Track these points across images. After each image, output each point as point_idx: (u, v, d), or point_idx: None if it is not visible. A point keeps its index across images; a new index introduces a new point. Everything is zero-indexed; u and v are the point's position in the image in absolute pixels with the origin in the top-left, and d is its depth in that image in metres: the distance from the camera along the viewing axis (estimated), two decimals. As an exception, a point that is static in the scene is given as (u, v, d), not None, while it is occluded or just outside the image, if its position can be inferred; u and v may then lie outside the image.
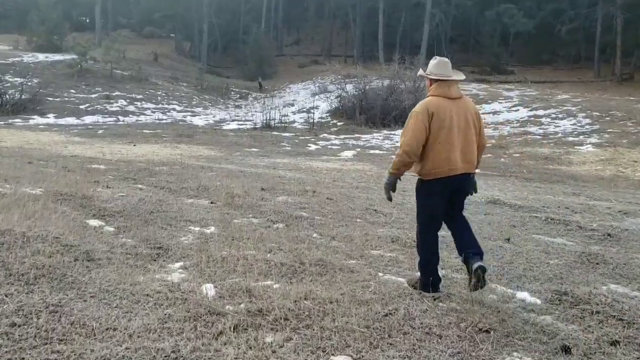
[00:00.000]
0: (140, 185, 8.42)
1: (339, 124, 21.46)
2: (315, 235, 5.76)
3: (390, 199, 4.30)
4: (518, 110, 21.87)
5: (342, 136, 19.11)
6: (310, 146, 16.99)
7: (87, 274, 3.94)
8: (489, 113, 22.00)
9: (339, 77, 32.21)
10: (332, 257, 4.84)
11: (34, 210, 5.47)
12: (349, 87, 22.95)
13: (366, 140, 18.35)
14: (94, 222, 5.53)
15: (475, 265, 3.91)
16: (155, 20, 45.22)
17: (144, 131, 18.11)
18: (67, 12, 41.58)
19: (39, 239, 4.50)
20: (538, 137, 17.58)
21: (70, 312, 3.26)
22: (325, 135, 19.45)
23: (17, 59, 30.65)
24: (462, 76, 4.28)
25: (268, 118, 20.83)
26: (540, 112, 20.69)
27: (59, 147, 13.85)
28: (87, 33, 42.49)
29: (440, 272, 4.62)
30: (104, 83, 28.47)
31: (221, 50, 46.38)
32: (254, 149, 15.63)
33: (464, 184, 4.12)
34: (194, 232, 5.56)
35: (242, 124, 21.60)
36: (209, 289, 3.85)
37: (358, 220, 6.65)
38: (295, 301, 3.66)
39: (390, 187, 4.20)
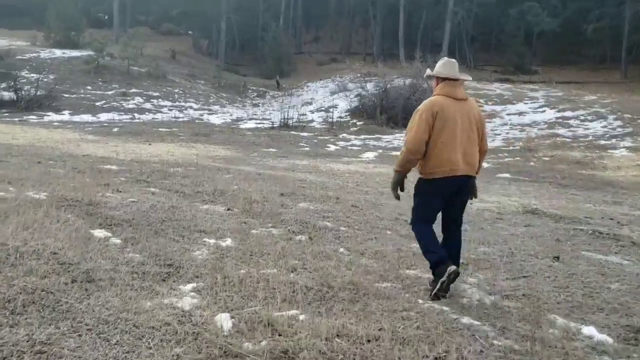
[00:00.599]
0: (152, 189, 7.92)
1: (358, 123, 20.86)
2: (342, 250, 5.19)
3: (397, 197, 4.28)
4: (544, 111, 21.11)
5: (362, 136, 18.51)
6: (329, 147, 16.42)
7: (85, 300, 3.41)
8: (514, 114, 21.27)
9: (358, 75, 31.70)
10: (363, 279, 4.28)
11: (34, 219, 4.97)
12: (370, 86, 22.33)
13: (388, 141, 17.74)
14: (99, 233, 5.02)
15: (451, 269, 3.94)
16: (173, 18, 44.94)
17: (160, 129, 17.68)
18: (85, 9, 41.47)
19: (34, 254, 3.98)
20: (567, 139, 16.84)
21: (60, 354, 2.73)
22: (345, 135, 18.87)
23: (34, 54, 30.46)
24: (468, 77, 4.33)
25: (286, 117, 20.30)
26: (569, 114, 19.91)
27: (71, 145, 13.43)
28: (105, 30, 42.34)
29: (489, 298, 4.09)
30: (121, 80, 28.16)
31: (239, 48, 45.97)
32: (271, 149, 15.10)
33: (463, 186, 4.10)
34: (209, 246, 5.02)
35: (259, 123, 21.10)
36: (224, 321, 3.30)
37: (388, 232, 6.08)
38: (327, 339, 3.10)
39: (398, 185, 4.21)
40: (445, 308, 3.86)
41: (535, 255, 5.45)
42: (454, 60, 4.24)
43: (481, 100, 23.40)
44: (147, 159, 11.53)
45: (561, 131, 17.97)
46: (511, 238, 6.20)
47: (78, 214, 5.66)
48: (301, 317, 3.43)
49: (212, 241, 5.18)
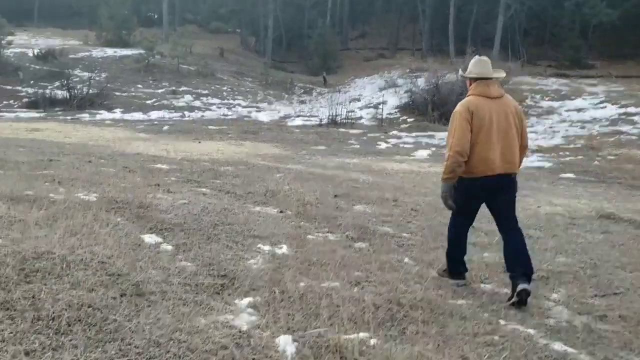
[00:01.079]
0: (203, 189, 7.68)
1: (409, 120, 20.30)
2: (407, 260, 4.79)
3: (451, 208, 4.19)
4: (605, 107, 20.04)
5: (414, 133, 17.97)
6: (380, 144, 15.97)
7: (135, 318, 3.12)
8: (572, 110, 20.30)
9: (407, 71, 31.06)
10: (435, 295, 3.87)
11: (83, 224, 4.76)
12: (420, 82, 21.73)
13: (441, 139, 17.12)
14: (149, 239, 4.76)
15: (520, 288, 3.81)
16: (222, 16, 45.13)
17: (209, 127, 17.60)
18: (136, 8, 42.14)
19: (82, 264, 3.73)
20: (633, 137, 15.88)
21: (107, 384, 2.43)
22: (395, 132, 18.37)
23: (86, 53, 31.06)
24: (502, 74, 4.26)
25: (334, 114, 19.92)
26: (632, 110, 18.82)
27: (122, 144, 13.43)
28: (155, 29, 42.88)
29: (580, 319, 3.62)
30: (171, 78, 28.38)
31: (285, 45, 45.85)
32: (320, 147, 14.77)
33: (503, 185, 4.02)
34: (264, 253, 4.70)
35: (307, 120, 20.81)
36: (287, 345, 2.96)
37: (454, 239, 5.62)
38: (405, 371, 2.72)
39: (449, 195, 4.12)
40: (531, 331, 3.42)
41: (622, 267, 4.92)
42: (485, 58, 4.22)
43: (537, 96, 22.49)
44: (197, 158, 11.36)
45: (625, 128, 16.97)
46: (590, 247, 5.66)
47: (128, 217, 5.43)
48: (372, 341, 3.05)
49: (267, 248, 4.86)
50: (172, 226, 5.25)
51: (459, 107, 4.06)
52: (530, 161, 13.36)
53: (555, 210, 7.37)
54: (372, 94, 25.84)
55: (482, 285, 4.27)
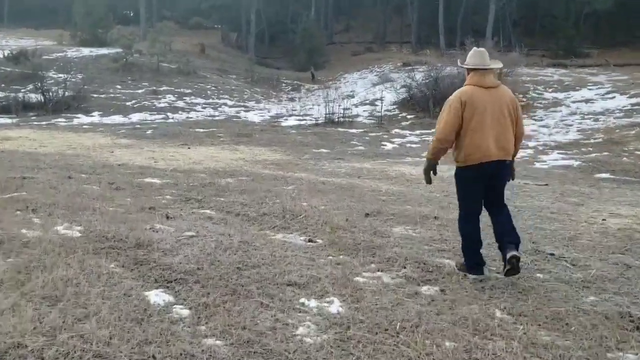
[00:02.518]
0: (208, 211, 6.46)
1: (409, 117, 19.16)
2: (500, 315, 3.61)
3: (429, 181, 4.47)
4: (614, 97, 19.10)
5: (417, 132, 16.84)
6: (385, 145, 14.81)
7: None
8: (580, 101, 19.33)
9: (399, 64, 29.95)
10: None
11: (66, 279, 3.52)
12: (418, 76, 20.59)
13: (447, 137, 16.04)
14: (157, 298, 3.55)
15: (510, 255, 4.01)
16: (201, 11, 43.56)
17: (197, 130, 16.27)
18: (112, 6, 40.23)
19: (67, 366, 2.50)
20: (653, 129, 14.92)
21: None
22: (398, 130, 17.22)
23: (60, 54, 29.37)
24: (498, 65, 4.56)
25: (330, 112, 18.71)
26: (644, 100, 17.91)
27: (104, 152, 12.09)
28: (132, 26, 41.17)
29: None
30: (151, 77, 26.87)
31: (269, 40, 44.39)
32: (323, 150, 13.56)
33: (499, 171, 4.22)
34: (312, 314, 3.52)
35: (301, 120, 19.57)
36: None
37: (539, 274, 4.46)
38: None
39: (430, 170, 4.38)
40: None
41: None
42: (482, 49, 4.35)
43: (539, 87, 21.50)
44: (190, 167, 10.09)
45: (642, 120, 16.02)
46: None
47: (124, 262, 4.19)
48: None
49: (313, 304, 3.67)
50: (184, 275, 4.02)
51: (452, 96, 4.24)
52: (554, 159, 12.32)
53: (627, 224, 6.26)
54: (366, 90, 24.66)
55: (619, 353, 3.11)
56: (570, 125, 16.30)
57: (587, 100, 19.30)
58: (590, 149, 13.29)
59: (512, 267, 4.02)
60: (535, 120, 17.54)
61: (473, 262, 4.31)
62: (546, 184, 9.25)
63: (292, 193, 7.81)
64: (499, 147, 4.13)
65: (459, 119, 4.11)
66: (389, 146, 14.59)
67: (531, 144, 14.31)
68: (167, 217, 5.98)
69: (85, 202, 6.40)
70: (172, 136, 15.17)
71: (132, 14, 49.51)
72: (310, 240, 5.38)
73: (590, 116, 17.08)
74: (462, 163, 4.21)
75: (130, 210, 6.16)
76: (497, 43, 23.23)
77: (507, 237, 4.16)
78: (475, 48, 4.42)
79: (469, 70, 4.29)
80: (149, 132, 15.96)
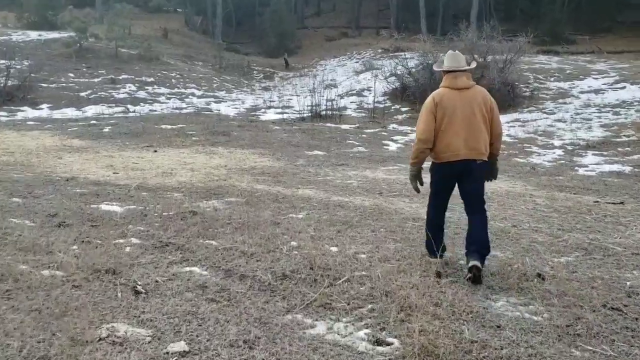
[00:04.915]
0: (198, 271, 4.33)
1: (403, 109, 17.09)
2: None
3: (417, 189, 4.69)
4: (625, 88, 17.44)
5: (418, 127, 14.77)
6: (388, 145, 12.70)
7: None
8: (588, 92, 17.60)
9: (380, 51, 27.84)
10: None
11: None
12: (411, 64, 18.51)
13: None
14: None
15: (471, 264, 4.16)
16: (162, -7, 40.48)
17: (163, 127, 13.85)
18: (64, -15, 36.85)
19: None
20: (684, 124, 13.22)
21: None
22: (395, 126, 15.14)
23: (4, 37, 26.17)
24: (470, 67, 4.56)
25: (315, 104, 16.49)
26: (660, 90, 16.27)
27: (50, 158, 9.66)
28: (88, 9, 37.85)
29: None
30: (109, 64, 24.08)
31: (236, 24, 41.62)
32: (317, 152, 11.37)
33: (469, 170, 4.35)
34: None
35: (282, 112, 17.28)
36: None
37: None
38: None
39: (416, 177, 4.64)
40: None
41: None
42: (457, 52, 4.55)
43: (540, 77, 19.72)
44: (160, 183, 7.80)
45: (666, 113, 14.34)
46: None
47: None
48: None
49: None
50: None
51: (428, 98, 4.47)
52: (595, 163, 10.42)
53: None
54: (349, 79, 22.49)
55: None
56: (590, 119, 14.50)
57: (596, 91, 17.59)
58: (628, 149, 11.46)
59: (473, 277, 4.12)
60: (546, 113, 15.71)
61: (431, 248, 4.59)
62: (621, 202, 7.30)
63: (308, 227, 5.63)
64: (469, 147, 4.30)
65: (433, 120, 4.34)
66: (392, 146, 12.48)
67: (555, 142, 12.42)
68: (136, 293, 3.73)
69: (4, 259, 4.11)
70: (134, 135, 12.72)
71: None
72: (378, 342, 3.23)
73: (608, 109, 15.31)
74: (435, 160, 4.48)
75: (75, 279, 3.89)
76: (481, 28, 21.26)
77: (475, 245, 4.27)
78: (450, 51, 4.60)
79: (444, 72, 4.48)
80: (107, 129, 13.46)
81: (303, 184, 8.13)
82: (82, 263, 4.22)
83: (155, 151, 10.90)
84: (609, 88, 17.75)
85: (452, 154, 4.31)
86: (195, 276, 4.21)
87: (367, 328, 3.38)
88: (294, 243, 5.05)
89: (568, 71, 20.26)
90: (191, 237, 5.16)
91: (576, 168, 10.06)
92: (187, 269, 4.37)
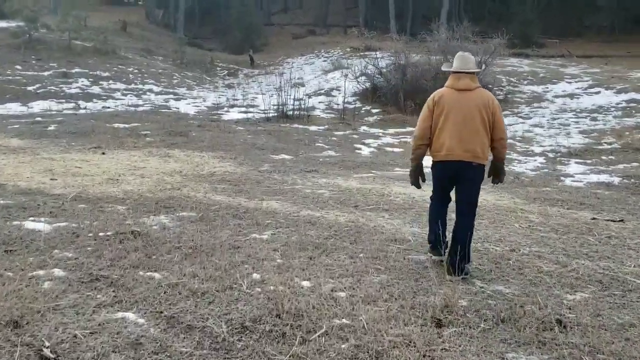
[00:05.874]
0: (132, 318, 3.44)
1: (374, 111, 16.26)
2: None
3: (417, 185, 4.74)
4: (600, 93, 17.03)
5: (390, 130, 13.97)
6: (360, 149, 11.83)
7: None
8: (562, 96, 17.14)
9: (348, 50, 26.98)
10: None
11: None
12: (382, 63, 17.70)
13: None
14: None
15: (447, 264, 4.36)
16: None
17: (115, 125, 12.68)
18: (16, -27, 34.85)
19: None
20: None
21: None
22: (366, 128, 14.29)
23: (-55, 25, 24.45)
24: (475, 69, 4.52)
25: (283, 103, 15.52)
26: (636, 96, 15.86)
27: (-23, 161, 8.47)
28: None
29: None
30: (60, 57, 22.59)
31: (199, 18, 40.21)
32: (285, 156, 10.42)
33: (463, 171, 4.34)
34: None
35: (246, 112, 16.25)
36: None
37: None
38: None
39: (416, 174, 4.65)
40: None
41: None
42: (466, 54, 4.56)
43: (513, 79, 19.21)
44: (102, 192, 6.76)
45: (646, 120, 13.87)
46: None
47: None
48: None
49: None
50: None
51: (429, 97, 4.49)
52: (580, 172, 9.76)
53: None
54: (318, 78, 21.58)
55: None
56: (567, 125, 13.96)
57: (571, 95, 17.16)
58: (612, 157, 10.87)
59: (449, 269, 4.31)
60: (522, 117, 15.14)
61: (433, 243, 4.59)
62: (621, 220, 6.58)
63: (275, 252, 4.71)
64: (464, 149, 4.29)
65: (431, 118, 4.40)
66: (365, 151, 11.62)
67: (535, 148, 11.78)
68: (41, 359, 2.74)
69: None
70: (82, 134, 11.53)
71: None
72: None
73: (585, 114, 14.82)
74: (432, 158, 4.50)
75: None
76: (452, 28, 20.63)
77: (455, 256, 4.31)
78: (460, 52, 4.65)
79: (451, 72, 4.48)
80: (52, 127, 12.22)
81: (268, 195, 7.18)
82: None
83: (104, 153, 9.77)
84: (584, 93, 17.32)
85: (446, 153, 4.31)
86: (129, 327, 3.24)
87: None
88: (256, 276, 4.11)
89: (541, 74, 19.81)
90: (129, 267, 4.17)
91: (562, 178, 9.37)
92: (120, 314, 3.40)
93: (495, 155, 4.51)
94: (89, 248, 4.63)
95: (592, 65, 22.86)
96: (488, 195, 7.50)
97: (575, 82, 18.64)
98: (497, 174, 4.61)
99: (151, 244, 4.77)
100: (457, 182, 4.43)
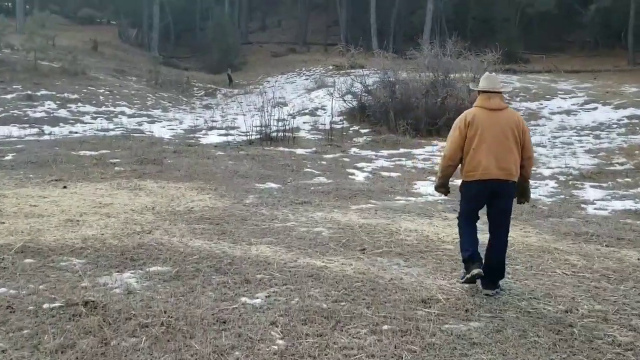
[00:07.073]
0: None
1: (363, 131, 15.28)
2: None
3: (444, 193, 4.73)
4: (597, 108, 16.32)
5: (383, 152, 12.97)
6: (354, 173, 10.78)
7: None
8: (559, 113, 16.40)
9: (331, 68, 26.14)
10: None
11: None
12: (370, 81, 16.76)
13: (425, 159, 12.31)
14: None
15: (475, 272, 4.28)
16: (93, 2, 37.54)
17: (81, 153, 11.47)
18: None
19: None
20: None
21: None
22: (356, 150, 13.28)
23: None
24: (503, 89, 4.56)
25: (265, 124, 14.46)
26: (637, 112, 15.14)
27: None
28: (6, 18, 34.58)
29: None
30: (26, 79, 21.27)
31: (175, 37, 39.09)
32: (271, 184, 9.31)
33: (499, 190, 4.32)
34: None
35: (226, 134, 15.14)
36: None
37: None
38: None
39: (442, 187, 4.67)
40: None
41: None
42: (493, 74, 4.68)
43: (506, 96, 18.35)
44: (56, 241, 5.57)
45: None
46: None
47: None
48: None
49: None
50: None
51: (459, 117, 4.46)
52: (601, 199, 8.79)
53: None
54: (300, 97, 20.58)
55: None
56: (570, 143, 13.12)
57: (568, 112, 16.41)
58: (628, 179, 9.97)
59: (470, 279, 4.32)
60: (521, 136, 14.21)
61: (468, 256, 4.37)
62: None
63: (272, 329, 3.59)
64: (500, 167, 4.28)
65: (463, 138, 4.34)
66: (359, 176, 10.56)
67: (544, 171, 10.85)
68: None
69: None
70: (42, 164, 10.30)
71: (10, 5, 42.38)
72: None
73: (587, 132, 14.03)
74: (465, 178, 4.42)
75: None
76: (442, 45, 19.95)
77: (490, 270, 4.35)
78: (487, 73, 4.71)
79: (479, 92, 4.47)
80: (9, 157, 10.95)
81: (256, 236, 6.05)
82: None
83: (65, 187, 8.55)
84: (580, 109, 16.59)
85: (482, 172, 4.29)
86: None
87: None
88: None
89: (533, 90, 19.07)
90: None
91: (582, 205, 8.39)
92: None
93: (523, 174, 4.49)
94: (24, 331, 3.45)
95: (581, 80, 22.29)
96: (513, 231, 6.45)
97: (570, 97, 17.92)
98: (524, 193, 4.63)
99: (110, 320, 3.61)
100: (492, 202, 4.41)
